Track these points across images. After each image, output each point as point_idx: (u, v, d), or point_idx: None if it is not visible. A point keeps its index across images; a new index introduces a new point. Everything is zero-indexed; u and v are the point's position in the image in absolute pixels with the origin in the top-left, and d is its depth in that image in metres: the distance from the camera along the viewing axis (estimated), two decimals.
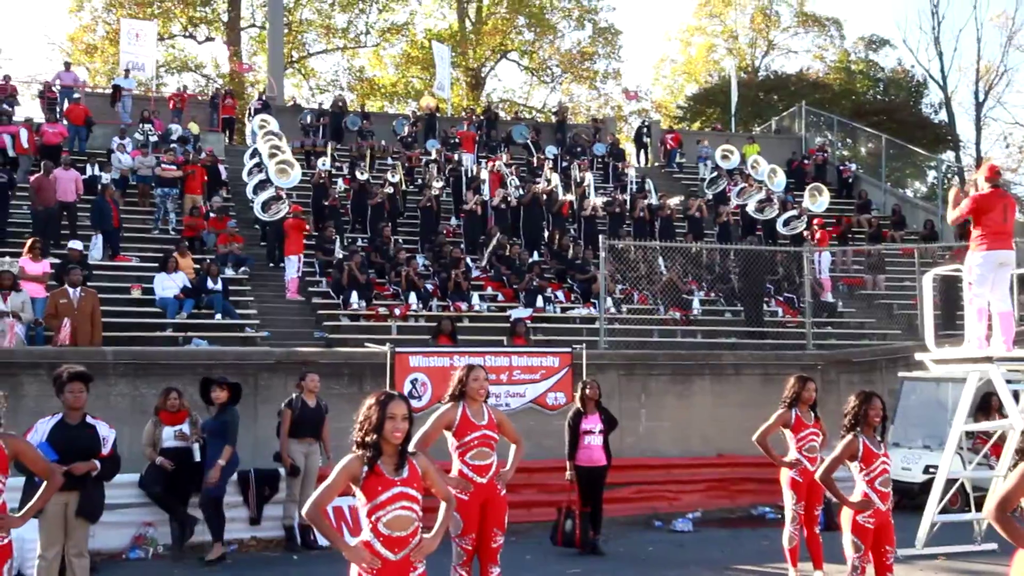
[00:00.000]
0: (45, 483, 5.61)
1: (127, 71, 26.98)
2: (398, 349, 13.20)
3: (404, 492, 4.84)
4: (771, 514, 12.99)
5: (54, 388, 7.64)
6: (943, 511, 10.61)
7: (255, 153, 22.34)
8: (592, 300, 18.22)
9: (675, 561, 10.21)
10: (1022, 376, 10.16)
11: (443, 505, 5.18)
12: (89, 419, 7.64)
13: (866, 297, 21.17)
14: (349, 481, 4.86)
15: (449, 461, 6.84)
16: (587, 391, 10.61)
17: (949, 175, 37.20)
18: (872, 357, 16.03)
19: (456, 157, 24.35)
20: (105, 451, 7.60)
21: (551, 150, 27.19)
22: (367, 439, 4.88)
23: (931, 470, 12.77)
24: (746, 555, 10.36)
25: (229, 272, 17.59)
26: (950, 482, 10.68)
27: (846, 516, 6.98)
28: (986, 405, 12.99)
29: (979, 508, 10.71)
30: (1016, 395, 9.97)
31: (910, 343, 16.53)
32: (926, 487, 11.77)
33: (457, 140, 26.44)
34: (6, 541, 5.21)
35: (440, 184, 22.01)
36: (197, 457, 10.05)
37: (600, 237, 16.90)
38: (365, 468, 4.83)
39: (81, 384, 7.56)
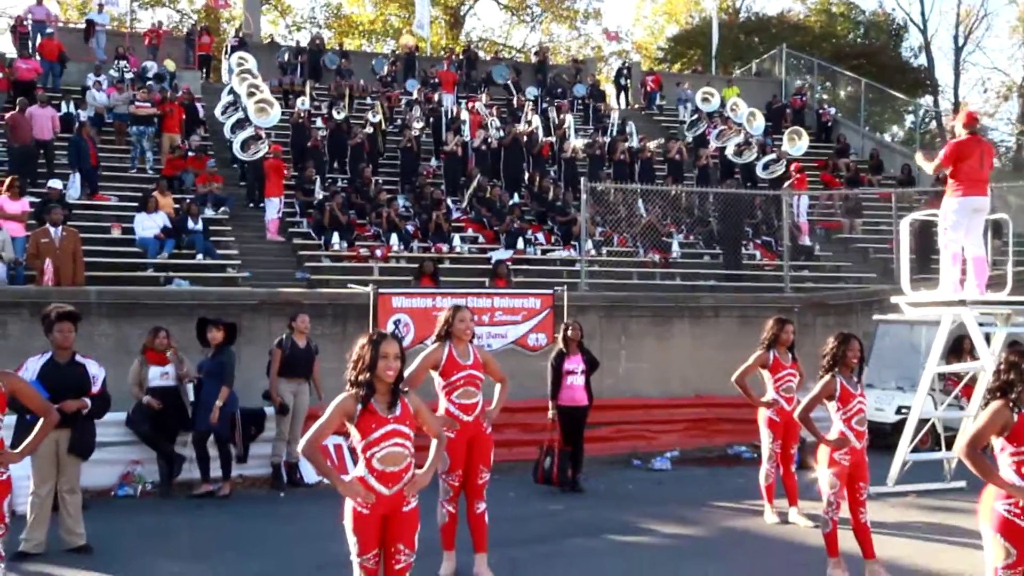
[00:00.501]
0: (41, 420, 5.70)
1: (100, 5, 26.54)
2: (381, 290, 13.30)
3: (397, 429, 4.96)
4: (747, 453, 13.27)
5: (43, 327, 7.70)
6: (914, 450, 10.89)
7: (232, 91, 22.12)
8: (572, 242, 18.33)
9: (654, 498, 10.46)
10: (994, 319, 10.39)
11: (434, 442, 5.32)
12: (79, 358, 7.73)
13: (843, 241, 21.39)
14: (343, 419, 4.98)
15: (436, 400, 6.98)
16: (569, 332, 10.77)
17: (927, 120, 37.39)
18: (848, 300, 16.28)
19: (436, 97, 24.19)
20: (95, 389, 7.70)
21: (531, 91, 27.05)
22: (360, 378, 4.99)
23: (903, 411, 13.05)
24: (723, 493, 10.62)
25: (209, 212, 17.53)
26: (922, 422, 10.93)
27: (823, 453, 7.19)
28: (958, 348, 13.22)
29: (949, 447, 11.02)
30: (988, 338, 10.20)
31: (885, 287, 16.76)
32: (898, 427, 12.05)
33: (437, 80, 26.23)
34: (5, 476, 5.30)
35: (420, 125, 21.91)
36: (191, 397, 10.15)
37: (582, 180, 16.94)
38: (359, 406, 4.94)
39: (69, 323, 7.63)
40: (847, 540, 7.17)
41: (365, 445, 4.93)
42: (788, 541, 8.48)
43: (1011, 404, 5.25)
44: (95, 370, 7.75)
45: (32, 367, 7.53)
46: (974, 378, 11.29)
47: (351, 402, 4.97)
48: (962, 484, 10.62)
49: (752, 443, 13.47)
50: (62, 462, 7.62)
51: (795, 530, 8.83)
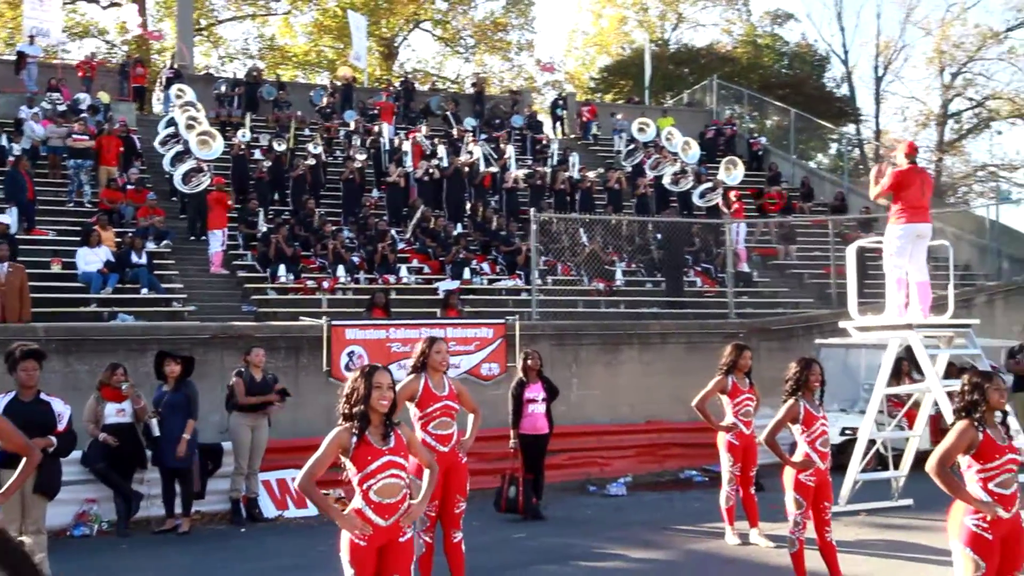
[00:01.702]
0: (24, 460, 5.63)
1: (32, 37, 26.06)
2: (334, 322, 13.28)
3: (393, 460, 5.03)
4: (698, 477, 13.52)
5: (6, 365, 7.58)
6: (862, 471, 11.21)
7: (171, 123, 21.93)
8: (517, 272, 18.49)
9: (614, 523, 10.61)
10: (937, 342, 10.79)
11: (426, 472, 5.39)
12: (43, 395, 7.61)
13: (778, 267, 21.91)
14: (339, 452, 5.03)
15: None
16: (529, 361, 10.90)
17: (850, 147, 38.46)
18: (789, 325, 16.70)
19: (376, 129, 24.25)
20: (61, 427, 7.59)
21: (469, 122, 27.26)
22: (355, 410, 5.05)
23: (847, 432, 13.45)
24: (681, 516, 10.82)
25: (151, 246, 17.32)
26: (869, 442, 11.26)
27: (788, 475, 7.40)
28: (897, 370, 13.67)
29: (896, 467, 11.39)
30: (932, 359, 10.58)
31: (824, 311, 17.28)
32: (843, 448, 12.42)
33: (376, 111, 26.29)
34: None
35: (363, 156, 21.95)
36: (156, 432, 10.02)
37: (531, 211, 17.16)
38: (354, 439, 5.00)
39: (34, 361, 7.54)
40: (813, 559, 7.38)
41: (361, 478, 4.98)
42: (753, 561, 8.68)
43: (975, 423, 5.52)
44: (60, 408, 7.64)
45: None
46: (917, 400, 11.70)
47: (346, 435, 5.02)
48: (909, 502, 10.98)
49: (702, 467, 13.78)
50: (27, 502, 7.47)
51: (757, 551, 9.04)
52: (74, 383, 11.77)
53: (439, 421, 7.04)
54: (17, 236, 16.77)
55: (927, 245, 10.67)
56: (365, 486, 4.98)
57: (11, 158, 18.79)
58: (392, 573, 5.04)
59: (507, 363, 13.88)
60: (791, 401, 7.43)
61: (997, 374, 5.92)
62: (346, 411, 5.10)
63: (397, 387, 7.02)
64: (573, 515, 11.12)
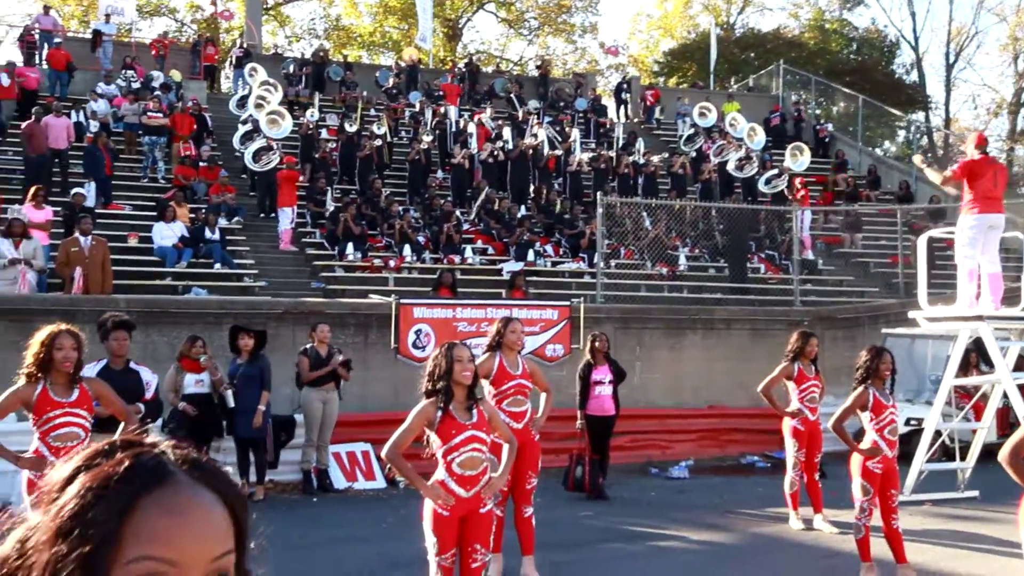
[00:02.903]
0: (123, 424, 5.92)
1: (108, 15, 26.68)
2: (402, 300, 13.53)
3: (475, 435, 5.22)
4: (760, 463, 13.57)
5: (98, 335, 7.91)
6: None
7: (244, 102, 22.36)
8: (581, 255, 18.61)
9: (678, 505, 10.74)
10: (1008, 334, 10.72)
11: (506, 447, 5.58)
12: (132, 364, 7.95)
13: (843, 255, 21.75)
14: (424, 425, 5.23)
15: None
16: (597, 344, 11.05)
17: (919, 135, 37.89)
18: (855, 314, 16.61)
19: (442, 110, 24.47)
20: (148, 395, 7.93)
21: (533, 104, 27.35)
22: (439, 385, 5.24)
23: (912, 422, 13.38)
24: (744, 500, 10.90)
25: (223, 222, 17.73)
26: (935, 433, 11.24)
27: (856, 462, 7.46)
28: (965, 362, 13.58)
29: (963, 458, 11.35)
30: (1003, 352, 10.52)
31: (891, 300, 17.16)
32: (908, 438, 12.37)
33: (441, 93, 26.51)
34: None
35: (429, 138, 22.18)
36: (231, 403, 10.35)
37: (597, 194, 17.27)
38: (439, 412, 5.20)
39: (125, 332, 7.87)
40: (878, 545, 7.44)
41: (446, 450, 5.18)
42: (817, 546, 8.76)
43: None
44: (148, 376, 7.98)
45: (88, 374, 7.72)
46: (985, 392, 11.64)
47: (432, 409, 5.22)
48: (975, 494, 10.94)
49: (764, 453, 13.83)
50: None
51: (821, 536, 9.11)
52: (153, 354, 12.14)
53: (513, 399, 7.22)
54: (95, 211, 17.34)
55: (999, 236, 10.59)
56: (449, 458, 5.18)
57: (89, 134, 19.36)
58: (473, 542, 5.25)
59: (571, 345, 14.02)
60: (860, 388, 7.47)
61: None
62: (429, 387, 5.29)
63: None
64: (637, 496, 11.26)
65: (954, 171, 10.47)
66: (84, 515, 1.09)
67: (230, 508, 1.18)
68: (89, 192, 17.66)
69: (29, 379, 5.62)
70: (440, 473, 5.23)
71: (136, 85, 23.06)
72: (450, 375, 5.23)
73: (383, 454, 5.32)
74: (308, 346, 11.31)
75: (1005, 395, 10.66)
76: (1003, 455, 5.57)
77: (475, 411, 5.28)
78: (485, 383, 7.26)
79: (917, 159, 11.48)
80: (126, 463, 1.14)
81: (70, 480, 1.14)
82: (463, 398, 5.27)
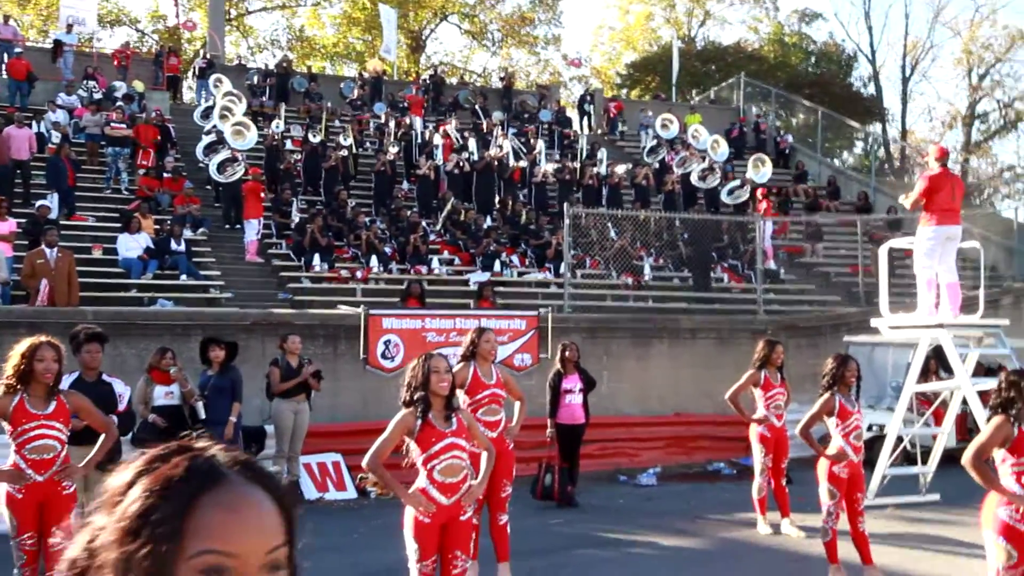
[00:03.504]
0: (103, 436, 5.94)
1: (70, 25, 26.47)
2: (372, 311, 13.57)
3: (455, 442, 5.31)
4: (726, 470, 13.75)
5: (71, 347, 7.89)
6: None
7: (207, 113, 22.30)
8: (547, 265, 18.76)
9: (647, 511, 10.87)
10: (967, 341, 10.98)
11: (484, 455, 5.66)
12: (105, 377, 7.94)
13: (805, 265, 22.07)
14: (404, 434, 5.31)
15: None
16: (567, 353, 11.17)
17: (876, 147, 38.52)
18: (817, 323, 16.88)
19: (407, 121, 24.54)
20: (121, 407, 7.92)
21: (497, 115, 27.50)
22: (416, 395, 5.32)
23: (873, 428, 13.62)
24: (712, 506, 11.06)
25: (188, 233, 17.66)
26: (897, 439, 11.47)
27: (822, 467, 7.63)
28: (924, 368, 13.86)
29: (924, 462, 11.59)
30: (962, 358, 10.76)
31: (852, 309, 17.46)
32: (870, 444, 12.59)
33: (406, 104, 26.59)
34: (72, 490, 5.55)
35: (395, 149, 22.23)
36: (202, 415, 10.33)
37: (564, 205, 17.43)
38: (418, 421, 5.28)
39: (98, 344, 7.86)
40: (845, 548, 7.61)
41: (426, 458, 5.26)
42: (785, 550, 8.93)
43: (1012, 419, 5.73)
44: (121, 388, 7.99)
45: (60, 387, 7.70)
46: (944, 399, 11.90)
47: (411, 418, 5.30)
48: (936, 497, 11.18)
49: (730, 460, 14.01)
50: (89, 479, 7.79)
51: (789, 540, 9.28)
52: (121, 366, 12.07)
53: (487, 408, 7.31)
54: (58, 222, 17.20)
55: (957, 247, 10.85)
56: (429, 466, 5.25)
57: (51, 145, 19.21)
58: (453, 549, 5.33)
59: (539, 354, 14.14)
60: (827, 395, 7.65)
61: None
62: (407, 397, 5.37)
63: None
64: (606, 503, 11.38)
65: (919, 193, 10.68)
66: (149, 515, 1.18)
67: (280, 504, 1.26)
68: (52, 203, 17.53)
69: (7, 390, 5.62)
70: (421, 481, 5.30)
71: (98, 95, 22.90)
72: (427, 386, 5.31)
73: (364, 464, 5.38)
74: (279, 357, 11.33)
75: (964, 401, 10.91)
76: (966, 459, 5.76)
77: (454, 419, 5.37)
78: (460, 392, 7.33)
79: (901, 198, 11.72)
80: (183, 466, 1.23)
81: (131, 484, 1.23)
82: (441, 407, 5.35)
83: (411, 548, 5.28)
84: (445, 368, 5.40)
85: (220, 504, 1.20)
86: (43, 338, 5.77)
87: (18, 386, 5.61)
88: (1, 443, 8.06)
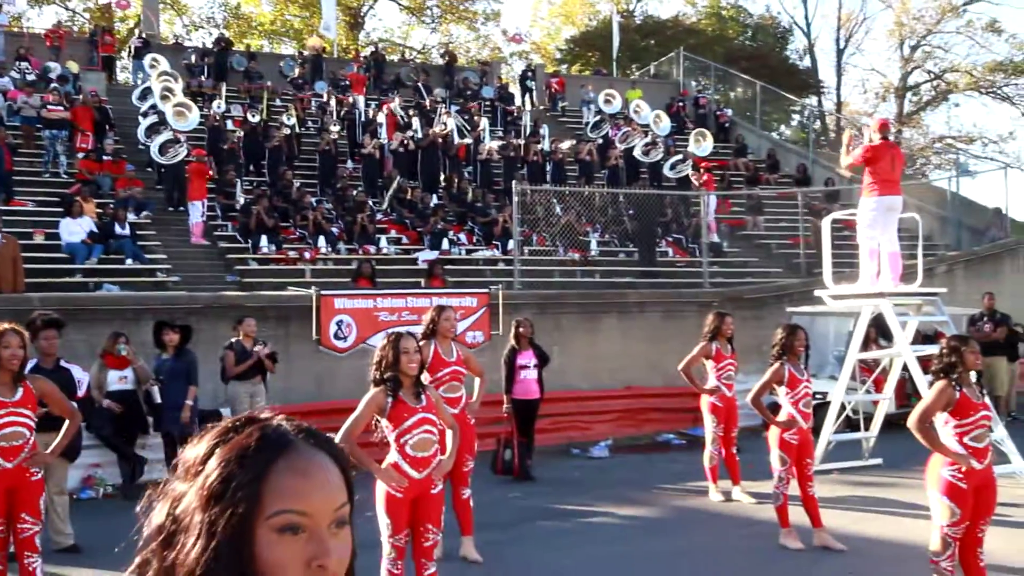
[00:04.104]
0: (67, 422, 5.96)
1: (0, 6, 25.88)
2: (323, 292, 13.59)
3: (426, 417, 5.45)
4: (675, 440, 14.06)
5: (28, 334, 7.83)
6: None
7: (145, 94, 21.96)
8: (494, 242, 18.88)
9: (601, 483, 11.11)
10: (907, 310, 11.35)
11: (449, 432, 5.80)
12: (63, 363, 7.92)
13: (747, 237, 22.46)
14: (375, 412, 5.42)
15: None
16: (521, 329, 11.32)
17: (812, 119, 39.15)
18: (761, 294, 17.24)
19: (350, 100, 24.41)
20: (80, 393, 7.92)
21: (439, 92, 27.45)
22: (387, 375, 5.43)
23: (816, 396, 13.99)
24: (664, 477, 11.33)
25: (131, 217, 17.44)
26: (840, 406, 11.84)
27: (773, 434, 7.91)
28: (864, 337, 14.28)
29: (866, 428, 11.98)
30: (903, 326, 11.13)
31: (794, 280, 17.87)
32: (814, 411, 12.98)
33: (347, 83, 26.42)
34: (40, 476, 5.58)
35: (337, 128, 22.13)
36: (158, 399, 10.31)
37: (512, 183, 17.55)
38: (389, 399, 5.40)
39: (55, 330, 7.85)
40: (795, 512, 7.90)
41: (398, 434, 5.39)
42: (737, 516, 9.22)
43: (953, 383, 6.01)
44: (79, 374, 8.00)
45: None
46: (884, 366, 12.30)
47: (382, 396, 5.42)
48: (879, 461, 11.59)
49: (679, 431, 14.32)
50: (51, 465, 7.78)
51: (740, 506, 9.58)
52: (71, 352, 11.91)
53: (448, 385, 7.43)
54: None
55: (898, 217, 11.19)
56: (401, 441, 5.38)
57: None
58: (425, 522, 5.47)
59: (491, 331, 14.29)
60: (776, 364, 7.92)
61: (971, 338, 6.41)
62: (377, 376, 5.48)
63: None
64: (561, 476, 11.61)
65: (857, 157, 11.01)
66: (230, 480, 1.31)
67: (340, 467, 1.41)
68: None
69: None
70: (393, 456, 5.43)
71: (31, 77, 22.43)
72: (397, 365, 5.43)
73: (336, 442, 5.45)
74: (234, 340, 11.33)
75: (904, 367, 11.29)
76: (911, 422, 6.03)
77: (423, 396, 5.50)
78: None
79: (846, 136, 11.98)
80: (256, 435, 1.36)
81: (209, 454, 1.36)
82: (410, 385, 5.48)
83: (383, 522, 5.41)
84: (414, 348, 5.52)
85: (292, 468, 1.33)
86: (6, 325, 5.76)
87: None
88: None
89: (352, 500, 1.39)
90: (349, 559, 1.37)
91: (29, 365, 7.65)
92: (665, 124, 25.05)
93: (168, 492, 1.38)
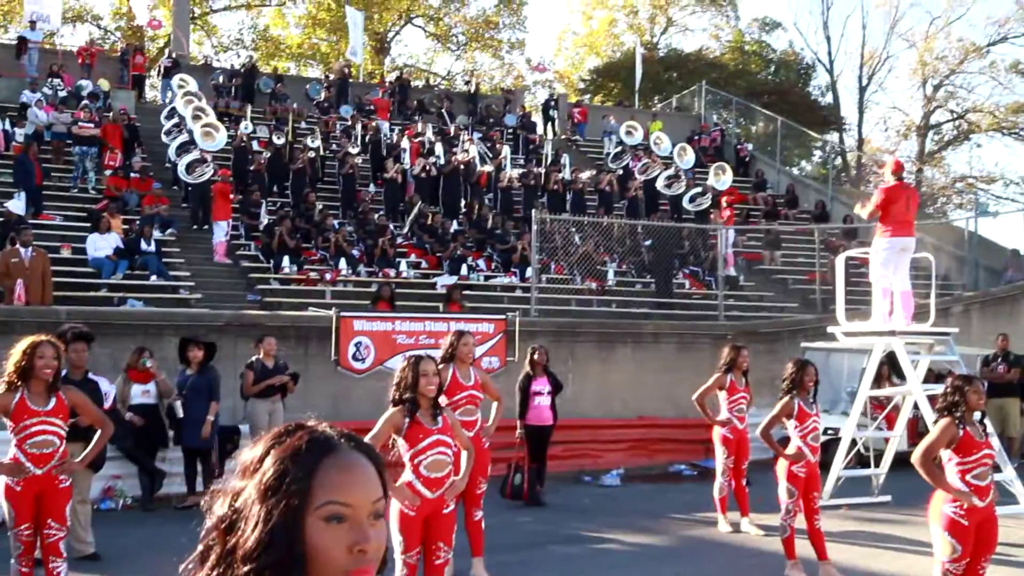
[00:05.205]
0: (99, 432, 6.16)
1: (33, 22, 26.38)
2: (343, 313, 13.81)
3: (441, 439, 5.63)
4: (687, 471, 14.17)
5: None
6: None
7: (173, 113, 22.36)
8: (513, 269, 19.09)
9: (611, 511, 11.23)
10: (919, 348, 11.46)
11: (464, 453, 5.98)
12: (91, 375, 8.15)
13: (763, 272, 22.59)
14: (392, 431, 5.61)
15: None
16: (536, 356, 11.51)
17: (833, 156, 39.32)
18: (776, 328, 17.35)
19: (374, 124, 24.75)
20: (107, 405, 8.13)
21: (462, 119, 27.78)
22: (405, 396, 5.62)
23: (828, 431, 14.08)
24: (674, 506, 11.44)
25: (156, 234, 17.74)
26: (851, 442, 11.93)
27: (781, 467, 8.03)
28: (877, 374, 14.36)
29: (876, 465, 12.06)
30: (914, 365, 11.24)
31: (808, 316, 17.97)
32: (825, 446, 13.05)
33: (372, 107, 26.79)
34: (68, 483, 5.79)
35: (356, 151, 22.45)
36: (180, 413, 10.53)
37: (532, 211, 17.78)
38: (406, 420, 5.58)
39: (84, 343, 8.06)
40: (801, 545, 8.01)
41: (413, 454, 5.57)
42: (745, 547, 9.33)
43: (957, 421, 6.15)
44: (106, 387, 8.23)
45: None
46: (896, 403, 12.39)
47: (399, 416, 5.60)
48: (888, 498, 11.66)
49: (691, 462, 14.43)
50: (76, 474, 7.99)
51: (748, 538, 9.69)
52: (94, 365, 12.14)
53: (464, 409, 7.60)
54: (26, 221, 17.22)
55: (910, 257, 11.33)
56: (416, 461, 5.56)
57: (16, 143, 19.22)
58: (437, 540, 5.64)
59: (507, 357, 14.46)
60: (786, 398, 8.05)
61: (976, 378, 6.54)
62: (396, 397, 5.67)
63: None
64: (571, 503, 11.73)
65: (876, 205, 11.13)
66: (284, 476, 1.55)
67: (377, 468, 1.64)
68: (19, 203, 17.54)
69: (9, 387, 5.83)
70: (407, 475, 5.61)
71: (63, 93, 22.89)
72: (416, 387, 5.62)
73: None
74: (254, 359, 11.53)
75: (916, 406, 11.39)
76: (915, 458, 6.17)
77: (440, 418, 5.68)
78: None
79: (857, 207, 12.17)
80: (306, 438, 1.60)
81: (264, 455, 1.59)
82: (428, 407, 5.66)
83: (396, 540, 5.58)
84: (433, 371, 5.71)
85: (337, 466, 1.57)
86: (43, 337, 5.98)
87: (19, 383, 5.82)
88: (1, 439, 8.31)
89: (387, 496, 1.60)
90: (384, 548, 1.58)
91: None
92: (689, 157, 25.30)
93: (228, 489, 1.58)
